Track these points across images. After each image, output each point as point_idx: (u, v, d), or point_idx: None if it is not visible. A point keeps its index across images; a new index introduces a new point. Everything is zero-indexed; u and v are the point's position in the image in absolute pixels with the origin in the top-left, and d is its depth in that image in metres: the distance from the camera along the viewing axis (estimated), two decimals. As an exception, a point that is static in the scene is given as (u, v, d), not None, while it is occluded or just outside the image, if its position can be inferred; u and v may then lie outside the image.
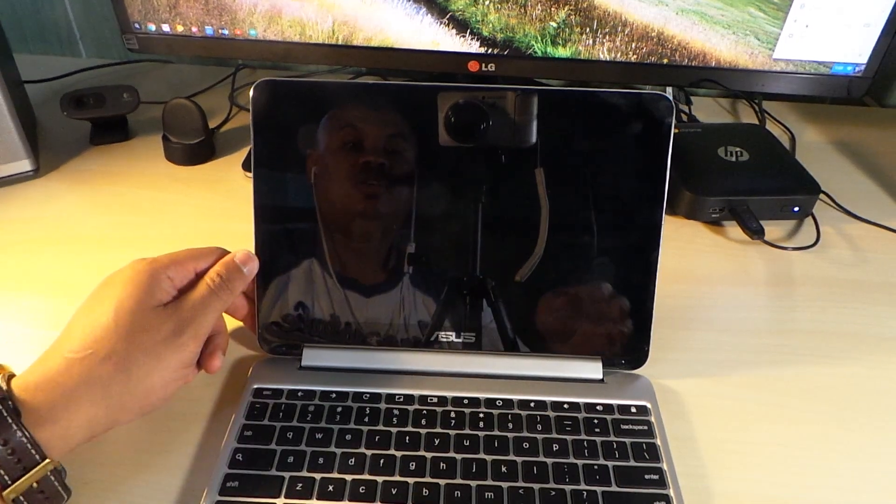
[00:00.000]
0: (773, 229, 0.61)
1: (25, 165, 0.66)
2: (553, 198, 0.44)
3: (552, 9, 0.66)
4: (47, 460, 0.34)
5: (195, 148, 0.69)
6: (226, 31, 0.71)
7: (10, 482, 0.33)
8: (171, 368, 0.38)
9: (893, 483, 0.42)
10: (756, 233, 0.59)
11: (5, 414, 0.33)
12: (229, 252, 0.44)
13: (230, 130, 0.75)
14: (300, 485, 0.39)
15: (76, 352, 0.36)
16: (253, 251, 0.45)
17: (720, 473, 0.42)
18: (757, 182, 0.63)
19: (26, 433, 0.33)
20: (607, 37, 0.67)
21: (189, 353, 0.39)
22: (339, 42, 0.70)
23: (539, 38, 0.68)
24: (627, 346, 0.46)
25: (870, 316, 0.54)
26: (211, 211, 0.63)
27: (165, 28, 0.71)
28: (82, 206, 0.63)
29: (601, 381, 0.46)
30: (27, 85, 0.76)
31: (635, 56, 0.68)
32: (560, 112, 0.44)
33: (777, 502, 0.40)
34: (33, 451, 0.34)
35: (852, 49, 0.65)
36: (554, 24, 0.67)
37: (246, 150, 0.68)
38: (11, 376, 0.36)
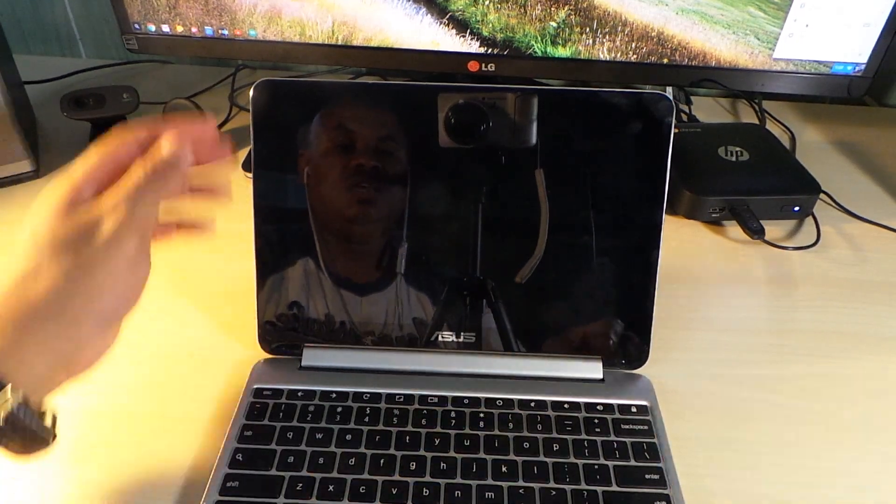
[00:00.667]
0: (773, 229, 0.61)
1: (25, 166, 0.66)
2: (553, 198, 0.44)
3: (552, 9, 0.66)
4: (9, 385, 0.31)
5: (195, 148, 0.69)
6: (225, 32, 0.71)
7: None
8: (115, 260, 0.34)
9: (894, 483, 0.42)
10: (756, 233, 0.59)
11: None
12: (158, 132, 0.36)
13: (230, 131, 0.75)
14: (300, 485, 0.39)
15: (5, 293, 0.32)
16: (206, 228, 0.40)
17: (720, 473, 0.42)
18: (757, 182, 0.63)
19: None
20: (607, 37, 0.67)
21: (131, 250, 0.34)
22: (339, 42, 0.70)
23: (539, 38, 0.68)
24: (628, 346, 0.46)
25: (870, 316, 0.54)
26: (210, 211, 0.63)
27: (165, 28, 0.71)
28: (82, 207, 0.63)
29: (601, 380, 0.46)
30: (27, 86, 0.76)
31: (635, 56, 0.68)
32: (560, 112, 0.44)
33: (777, 502, 0.40)
34: None
35: (852, 49, 0.65)
36: (554, 24, 0.67)
37: (246, 151, 0.68)
38: None
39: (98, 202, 0.34)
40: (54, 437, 0.34)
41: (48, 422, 0.33)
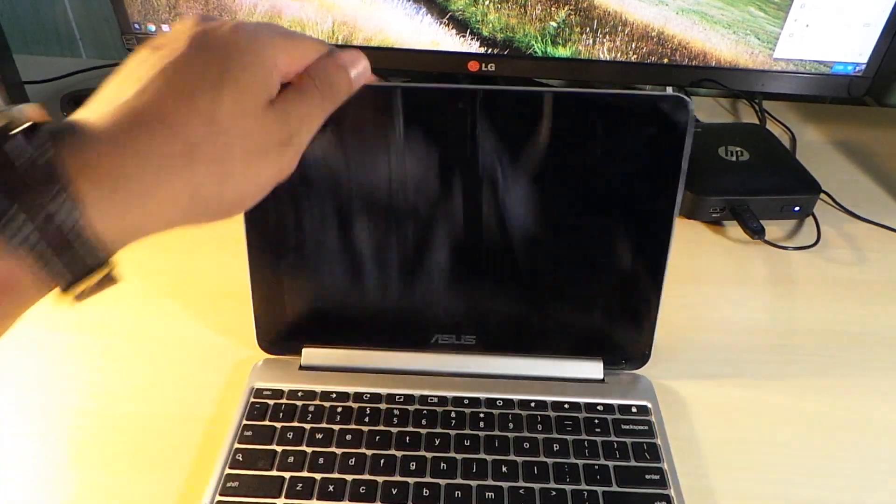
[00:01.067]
0: (773, 229, 0.61)
1: (25, 166, 0.65)
2: (560, 199, 0.44)
3: (552, 8, 0.66)
4: (104, 255, 0.26)
5: (195, 148, 0.69)
6: (226, 32, 0.71)
7: (70, 278, 0.25)
8: (264, 179, 0.31)
9: (894, 483, 0.42)
10: (756, 232, 0.59)
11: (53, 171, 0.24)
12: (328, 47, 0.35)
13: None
14: (300, 485, 0.39)
15: (159, 140, 0.27)
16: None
17: (720, 473, 0.42)
18: (757, 182, 0.63)
19: (78, 214, 0.24)
20: (607, 36, 0.67)
21: (288, 168, 0.32)
22: (339, 42, 0.70)
23: (539, 38, 0.68)
24: (630, 347, 0.46)
25: (870, 316, 0.54)
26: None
27: (165, 28, 0.71)
28: (82, 207, 0.63)
29: (602, 381, 0.46)
30: (27, 86, 0.76)
31: (635, 56, 0.68)
32: (571, 114, 0.43)
33: (777, 502, 0.40)
34: (92, 244, 0.25)
35: (852, 49, 0.65)
36: (554, 24, 0.67)
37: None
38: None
39: (286, 107, 0.31)
40: (110, 273, 0.27)
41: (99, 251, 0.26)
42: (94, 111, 0.28)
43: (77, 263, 0.25)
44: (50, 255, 0.24)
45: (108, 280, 0.27)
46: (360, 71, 0.34)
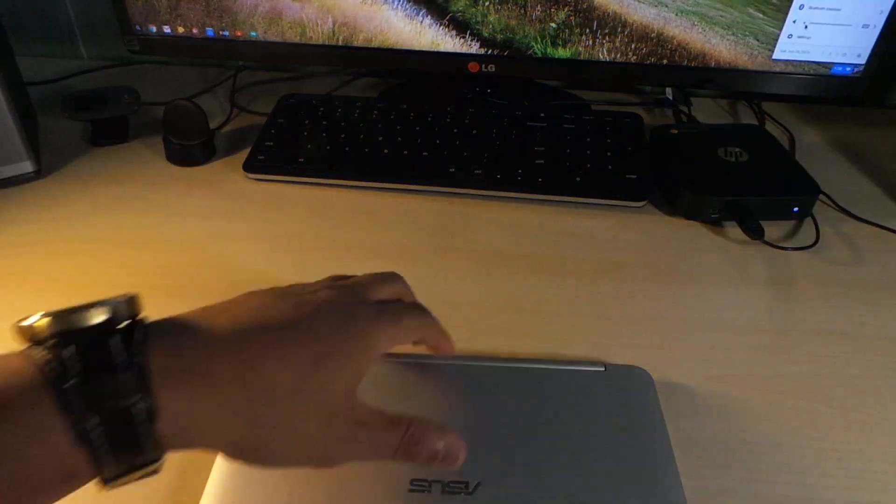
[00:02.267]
0: (772, 229, 0.62)
1: (27, 167, 0.66)
2: None
3: (552, 10, 0.66)
4: (159, 458, 0.27)
5: (196, 149, 0.69)
6: (226, 33, 0.71)
7: (115, 472, 0.26)
8: (295, 460, 0.31)
9: (894, 483, 0.42)
10: (756, 233, 0.59)
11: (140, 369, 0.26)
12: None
13: (231, 131, 0.75)
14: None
15: (234, 352, 0.29)
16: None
17: (720, 473, 0.42)
18: (757, 182, 0.63)
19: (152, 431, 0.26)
20: (607, 37, 0.67)
21: (321, 466, 0.32)
22: (340, 43, 0.70)
23: (539, 39, 0.68)
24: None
25: (870, 316, 0.54)
26: (212, 212, 0.63)
27: (166, 29, 0.71)
28: (83, 208, 0.63)
29: (603, 369, 0.46)
30: (28, 87, 0.76)
31: (635, 57, 0.68)
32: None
33: (777, 502, 0.41)
34: (152, 447, 0.27)
35: (851, 50, 0.66)
36: (554, 25, 0.67)
37: (247, 152, 0.68)
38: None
39: (350, 440, 0.32)
40: (156, 465, 0.28)
41: (154, 444, 0.27)
42: (195, 328, 0.29)
43: (133, 462, 0.26)
44: (109, 454, 0.26)
45: (150, 473, 0.28)
46: (450, 455, 0.34)
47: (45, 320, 0.26)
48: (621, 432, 0.42)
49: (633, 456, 0.40)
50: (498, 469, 0.39)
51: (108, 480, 0.26)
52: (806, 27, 0.64)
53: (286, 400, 0.29)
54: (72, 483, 0.26)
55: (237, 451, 0.30)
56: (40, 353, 0.26)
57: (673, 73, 0.69)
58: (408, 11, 0.68)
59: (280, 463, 0.31)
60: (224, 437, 0.29)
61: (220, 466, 0.40)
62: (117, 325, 0.27)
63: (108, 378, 0.25)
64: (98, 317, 0.27)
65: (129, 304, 0.28)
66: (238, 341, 0.29)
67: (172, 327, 0.29)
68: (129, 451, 0.26)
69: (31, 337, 0.27)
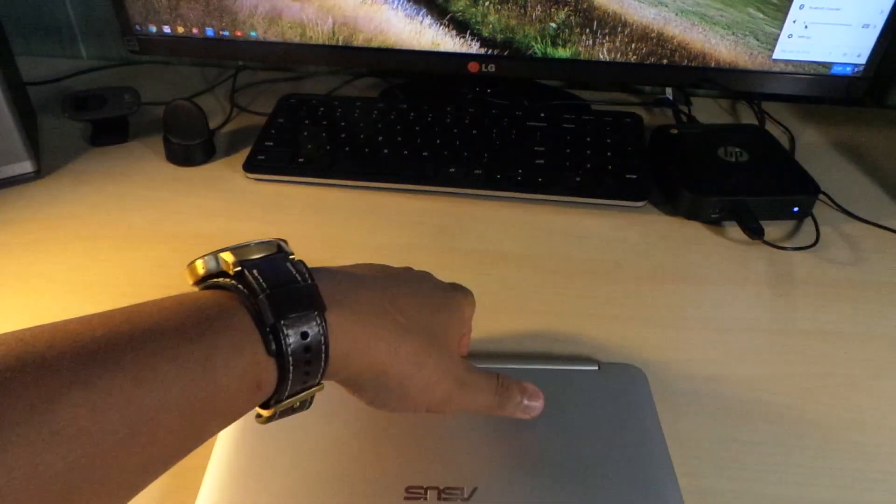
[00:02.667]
0: (772, 229, 0.62)
1: (26, 167, 0.66)
2: None
3: (552, 9, 0.66)
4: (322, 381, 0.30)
5: (196, 149, 0.69)
6: (226, 33, 0.71)
7: (293, 389, 0.29)
8: (425, 394, 0.34)
9: (894, 483, 0.42)
10: (756, 233, 0.59)
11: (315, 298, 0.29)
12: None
13: (231, 131, 0.75)
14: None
15: (380, 303, 0.33)
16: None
17: (720, 473, 0.42)
18: (757, 182, 0.63)
19: (324, 329, 0.29)
20: (607, 37, 0.67)
21: (432, 409, 0.36)
22: (340, 43, 0.70)
23: (539, 39, 0.68)
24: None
25: (870, 316, 0.54)
26: (212, 212, 0.63)
27: (166, 29, 0.71)
28: (83, 208, 0.63)
29: (596, 368, 0.46)
30: (28, 86, 0.76)
31: (635, 57, 0.68)
32: None
33: (777, 502, 0.41)
34: (322, 366, 0.29)
35: (851, 49, 0.66)
36: (554, 25, 0.67)
37: (247, 152, 0.68)
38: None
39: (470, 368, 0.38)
40: (316, 389, 0.31)
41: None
42: (340, 270, 0.34)
43: (305, 380, 0.29)
44: (291, 368, 0.28)
45: (303, 406, 0.31)
46: (532, 406, 0.40)
47: (226, 254, 0.29)
48: (616, 431, 0.42)
49: (629, 455, 0.40)
50: (494, 473, 0.39)
51: (280, 400, 0.29)
52: (806, 27, 0.64)
53: (419, 333, 0.33)
54: (260, 394, 0.28)
55: (378, 387, 0.33)
56: (227, 281, 0.28)
57: (673, 72, 0.69)
58: (408, 11, 0.68)
59: (408, 401, 0.34)
60: (372, 367, 0.32)
61: (215, 467, 0.40)
62: (288, 255, 0.30)
63: (292, 293, 0.28)
64: (269, 249, 0.30)
65: (285, 244, 0.31)
66: (380, 281, 0.34)
67: (321, 267, 0.32)
68: (308, 369, 0.29)
69: (208, 274, 0.29)
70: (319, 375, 0.30)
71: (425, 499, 0.37)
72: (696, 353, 0.50)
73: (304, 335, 0.28)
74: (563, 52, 0.69)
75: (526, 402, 0.39)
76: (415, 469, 0.39)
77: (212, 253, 0.29)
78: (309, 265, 0.31)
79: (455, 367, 0.36)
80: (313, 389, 0.30)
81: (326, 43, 0.70)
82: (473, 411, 0.38)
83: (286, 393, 0.29)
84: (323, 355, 0.29)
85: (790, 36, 0.65)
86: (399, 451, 0.40)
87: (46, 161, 0.69)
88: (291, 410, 0.31)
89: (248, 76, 0.86)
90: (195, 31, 0.71)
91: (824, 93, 0.68)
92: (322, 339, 0.28)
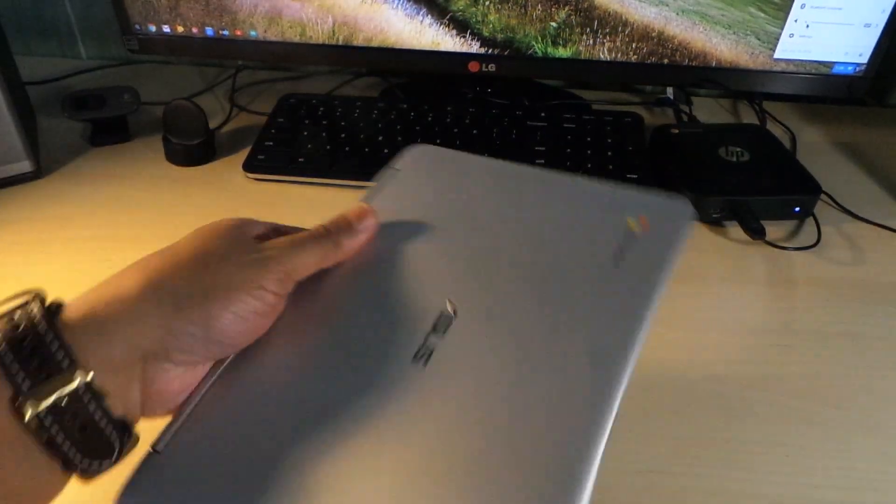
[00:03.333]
0: (774, 229, 0.61)
1: (26, 167, 0.66)
2: None
3: (552, 9, 0.66)
4: (79, 370, 0.26)
5: (196, 149, 0.69)
6: (226, 32, 0.71)
7: (27, 387, 0.25)
8: (244, 309, 0.30)
9: (894, 483, 0.42)
10: (757, 233, 0.59)
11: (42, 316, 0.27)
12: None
13: (231, 131, 0.75)
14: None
15: (139, 277, 0.32)
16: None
17: (720, 473, 0.42)
18: (758, 182, 0.63)
19: (58, 333, 0.27)
20: (608, 37, 0.67)
21: (268, 297, 0.31)
22: (340, 43, 0.70)
23: (539, 39, 0.68)
24: None
25: (870, 316, 0.54)
26: (212, 212, 0.63)
27: (166, 29, 0.71)
28: (83, 208, 0.63)
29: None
30: (28, 86, 0.76)
31: (636, 56, 0.68)
32: None
33: (777, 502, 0.40)
34: (60, 355, 0.26)
35: (853, 49, 0.65)
36: (554, 25, 0.67)
37: (246, 151, 0.68)
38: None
39: (268, 242, 0.33)
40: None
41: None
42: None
43: (41, 366, 0.26)
44: (22, 368, 0.26)
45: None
46: (366, 224, 0.35)
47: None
48: (626, 258, 0.38)
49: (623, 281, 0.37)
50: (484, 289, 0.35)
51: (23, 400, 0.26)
52: (807, 26, 0.64)
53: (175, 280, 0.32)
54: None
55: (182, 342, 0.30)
56: None
57: (674, 72, 0.69)
58: (408, 11, 0.67)
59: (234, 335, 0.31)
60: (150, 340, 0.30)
61: None
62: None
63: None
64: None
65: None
66: (143, 260, 0.33)
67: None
68: (41, 361, 0.26)
69: None
70: (64, 363, 0.26)
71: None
72: (695, 352, 0.50)
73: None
74: (563, 52, 0.68)
75: (359, 226, 0.35)
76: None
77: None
78: None
79: (240, 258, 0.31)
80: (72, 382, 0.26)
81: (326, 42, 0.70)
82: (315, 268, 0.33)
83: (27, 387, 0.25)
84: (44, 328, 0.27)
85: (791, 35, 0.65)
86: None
87: (46, 161, 0.69)
88: (73, 412, 0.26)
89: (247, 76, 0.86)
90: (195, 30, 0.71)
91: (826, 92, 0.68)
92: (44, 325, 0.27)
